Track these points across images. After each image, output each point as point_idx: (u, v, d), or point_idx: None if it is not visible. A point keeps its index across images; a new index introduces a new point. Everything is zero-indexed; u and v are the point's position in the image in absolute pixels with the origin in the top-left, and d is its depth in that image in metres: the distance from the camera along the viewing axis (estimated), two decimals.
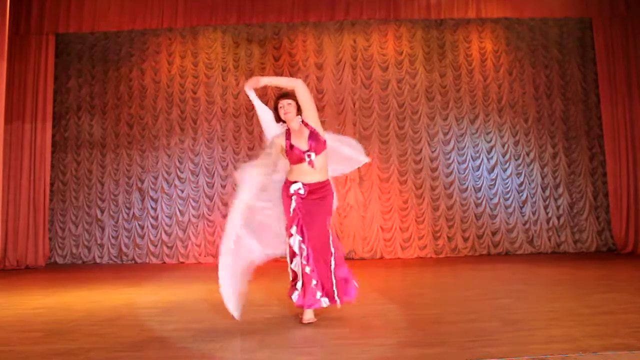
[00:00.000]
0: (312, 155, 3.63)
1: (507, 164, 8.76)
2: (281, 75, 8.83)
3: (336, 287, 3.60)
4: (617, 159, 8.25)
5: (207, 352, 2.86)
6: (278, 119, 3.78)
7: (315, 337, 3.18)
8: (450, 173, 8.71)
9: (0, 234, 7.69)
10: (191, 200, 8.77)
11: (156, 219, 8.75)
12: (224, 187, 8.79)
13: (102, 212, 8.82)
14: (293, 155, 3.65)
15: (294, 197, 3.62)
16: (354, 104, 8.85)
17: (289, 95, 3.72)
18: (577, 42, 8.91)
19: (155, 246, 8.67)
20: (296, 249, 3.56)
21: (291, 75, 8.84)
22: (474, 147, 8.78)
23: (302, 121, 3.72)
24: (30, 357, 2.86)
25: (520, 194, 8.69)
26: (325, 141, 3.72)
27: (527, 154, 8.77)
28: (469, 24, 8.91)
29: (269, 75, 8.83)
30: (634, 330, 3.06)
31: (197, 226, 8.69)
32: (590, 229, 8.60)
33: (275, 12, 8.29)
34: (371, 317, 3.67)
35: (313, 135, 3.67)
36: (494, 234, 8.61)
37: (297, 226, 3.58)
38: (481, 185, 8.71)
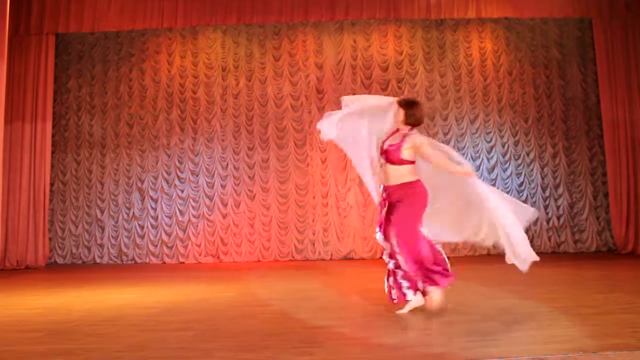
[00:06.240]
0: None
1: (507, 164, 8.76)
2: (281, 75, 8.86)
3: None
4: (617, 159, 8.25)
5: (207, 352, 2.86)
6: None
7: (315, 337, 3.18)
8: None
9: (0, 234, 7.69)
10: (191, 200, 8.77)
11: (156, 219, 8.75)
12: (224, 187, 8.79)
13: (102, 212, 8.81)
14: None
15: None
16: None
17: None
18: (577, 42, 8.91)
19: (155, 246, 8.67)
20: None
21: (291, 75, 8.85)
22: (474, 147, 8.77)
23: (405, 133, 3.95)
24: (30, 357, 2.86)
25: (520, 194, 8.67)
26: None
27: (527, 154, 8.76)
28: (469, 24, 8.90)
29: (269, 74, 8.86)
30: (634, 330, 3.06)
31: (197, 226, 8.69)
32: (590, 229, 8.60)
33: (275, 12, 8.29)
34: (371, 317, 3.67)
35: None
36: None
37: None
38: None
